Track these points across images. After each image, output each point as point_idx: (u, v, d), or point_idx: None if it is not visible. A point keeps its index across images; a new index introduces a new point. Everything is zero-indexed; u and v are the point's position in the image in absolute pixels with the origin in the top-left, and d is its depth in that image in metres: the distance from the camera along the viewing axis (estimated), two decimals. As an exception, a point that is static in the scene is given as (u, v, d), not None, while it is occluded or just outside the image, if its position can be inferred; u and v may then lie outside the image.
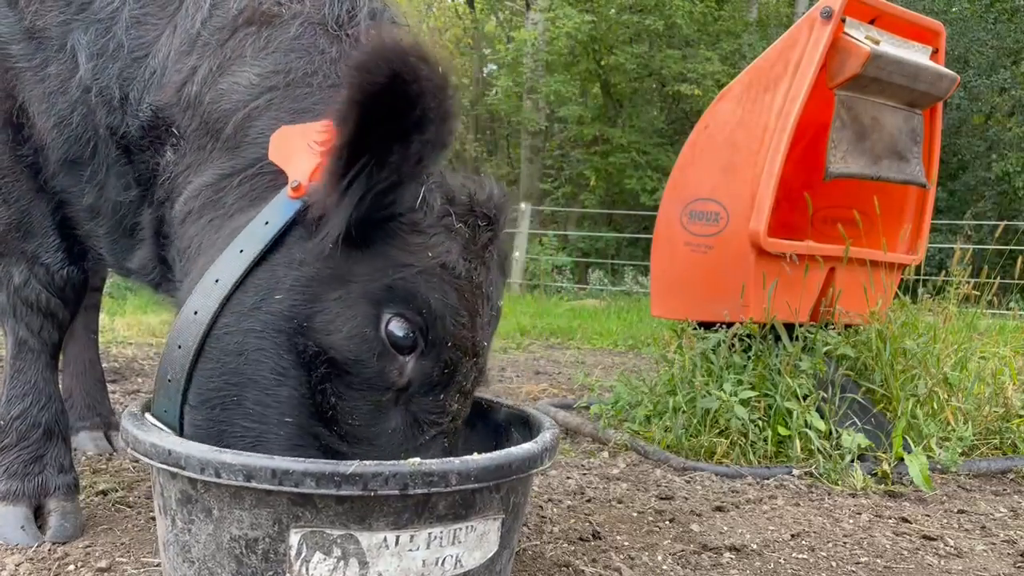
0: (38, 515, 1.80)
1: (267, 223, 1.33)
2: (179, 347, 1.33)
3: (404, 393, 1.31)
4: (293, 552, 1.19)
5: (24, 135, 1.79)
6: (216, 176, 1.45)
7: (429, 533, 1.22)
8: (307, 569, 1.19)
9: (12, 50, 1.72)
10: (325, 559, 1.19)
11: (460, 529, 1.26)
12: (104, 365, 4.27)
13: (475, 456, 1.25)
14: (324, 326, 1.27)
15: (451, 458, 1.23)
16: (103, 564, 1.63)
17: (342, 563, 1.19)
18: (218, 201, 1.43)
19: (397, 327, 1.27)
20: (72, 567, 1.63)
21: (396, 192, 1.28)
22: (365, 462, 1.16)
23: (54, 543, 1.73)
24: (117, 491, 2.13)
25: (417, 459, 1.21)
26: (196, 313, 1.32)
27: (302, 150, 1.36)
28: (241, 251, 1.32)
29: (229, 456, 1.17)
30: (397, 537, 1.20)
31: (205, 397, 1.32)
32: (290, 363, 1.28)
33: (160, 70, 1.58)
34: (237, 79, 1.48)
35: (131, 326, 5.85)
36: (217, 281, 1.32)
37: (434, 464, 1.19)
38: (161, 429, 1.33)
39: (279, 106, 1.45)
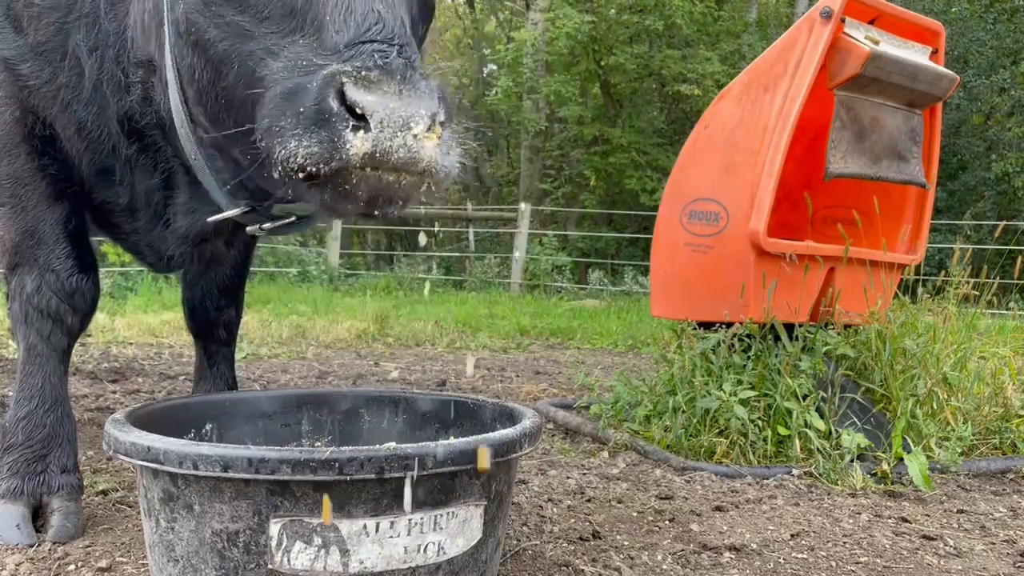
0: (40, 515, 1.81)
1: None
2: (180, 126, 1.60)
3: None
4: (274, 543, 1.19)
5: (49, 147, 1.85)
6: None
7: (409, 519, 1.23)
8: (288, 559, 1.19)
9: (23, 70, 1.79)
10: (306, 548, 1.19)
11: (441, 515, 1.26)
12: (105, 365, 4.28)
13: (451, 440, 1.26)
14: None
15: (427, 442, 1.24)
16: (103, 564, 1.63)
17: (323, 552, 1.19)
18: None
19: None
20: (72, 567, 1.63)
21: None
22: (341, 448, 1.18)
23: (55, 543, 1.73)
24: (118, 491, 2.13)
25: (392, 443, 1.22)
26: None
27: None
28: None
29: (206, 448, 1.18)
30: (377, 524, 1.21)
31: None
32: None
33: (134, 36, 1.66)
34: None
35: (131, 326, 5.85)
36: None
37: (410, 448, 1.20)
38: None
39: None
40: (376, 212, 1.21)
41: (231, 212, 1.65)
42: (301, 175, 1.14)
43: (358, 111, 1.12)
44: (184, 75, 1.46)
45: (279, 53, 1.25)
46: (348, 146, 1.11)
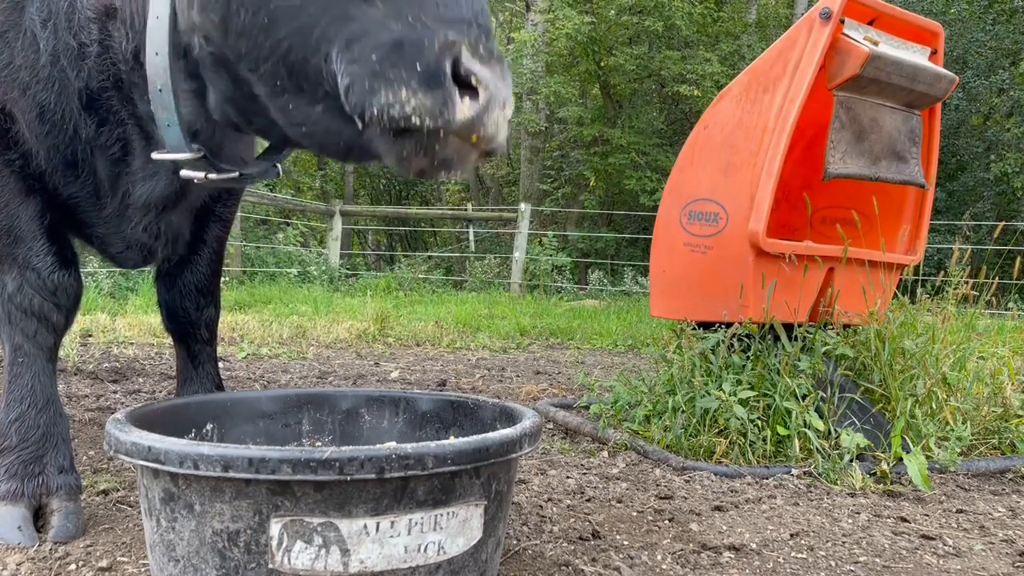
0: (39, 515, 1.81)
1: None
2: (156, 54, 1.52)
3: None
4: (275, 542, 1.20)
5: (11, 139, 1.82)
6: None
7: (409, 519, 1.23)
8: (289, 559, 1.20)
9: None
10: (306, 548, 1.20)
11: (441, 515, 1.27)
12: (105, 365, 4.29)
13: (451, 440, 1.27)
14: None
15: (428, 442, 1.24)
16: (104, 563, 1.64)
17: (323, 551, 1.20)
18: None
19: None
20: (73, 566, 1.63)
21: None
22: (341, 448, 1.18)
23: (56, 543, 1.73)
24: (118, 491, 2.14)
25: (393, 443, 1.22)
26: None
27: None
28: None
29: (207, 448, 1.19)
30: (377, 524, 1.21)
31: None
32: None
33: None
34: None
35: (132, 326, 5.85)
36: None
37: (410, 448, 1.20)
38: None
39: None
40: (435, 173, 1.28)
41: (182, 155, 1.61)
42: (397, 124, 1.19)
43: (472, 81, 1.19)
44: None
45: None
46: (456, 109, 1.18)
